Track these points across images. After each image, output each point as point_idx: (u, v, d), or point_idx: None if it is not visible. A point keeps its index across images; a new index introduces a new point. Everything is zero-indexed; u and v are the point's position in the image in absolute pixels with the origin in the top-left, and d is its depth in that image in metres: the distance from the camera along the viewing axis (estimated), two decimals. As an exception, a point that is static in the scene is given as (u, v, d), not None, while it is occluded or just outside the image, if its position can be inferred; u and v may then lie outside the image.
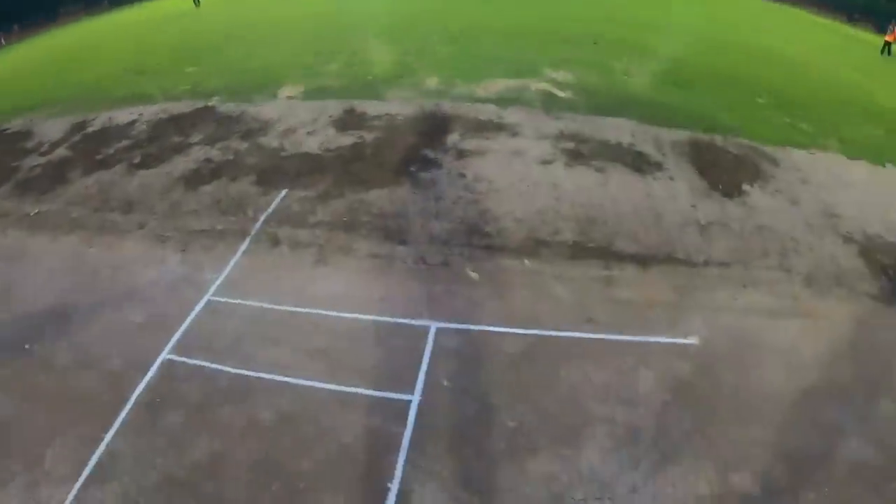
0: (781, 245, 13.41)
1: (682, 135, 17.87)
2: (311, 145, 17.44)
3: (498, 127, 17.98)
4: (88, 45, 34.73)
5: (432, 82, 22.20)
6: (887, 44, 37.55)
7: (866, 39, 40.01)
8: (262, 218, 14.21)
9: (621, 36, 29.83)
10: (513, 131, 17.72)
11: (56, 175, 16.85)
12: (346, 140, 17.58)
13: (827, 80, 27.01)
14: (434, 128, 18.05)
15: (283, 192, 15.13)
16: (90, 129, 19.67)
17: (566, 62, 24.49)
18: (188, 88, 22.90)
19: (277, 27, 33.86)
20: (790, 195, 15.24)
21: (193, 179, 15.94)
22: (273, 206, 14.64)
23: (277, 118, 19.35)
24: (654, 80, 22.81)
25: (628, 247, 13.13)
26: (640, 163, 16.16)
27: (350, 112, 19.39)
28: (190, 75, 25.14)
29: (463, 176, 15.36)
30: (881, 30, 38.38)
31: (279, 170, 16.18)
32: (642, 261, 12.77)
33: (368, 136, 17.69)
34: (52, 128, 20.13)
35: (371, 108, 19.59)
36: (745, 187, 15.37)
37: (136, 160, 17.17)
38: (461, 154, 16.44)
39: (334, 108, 19.68)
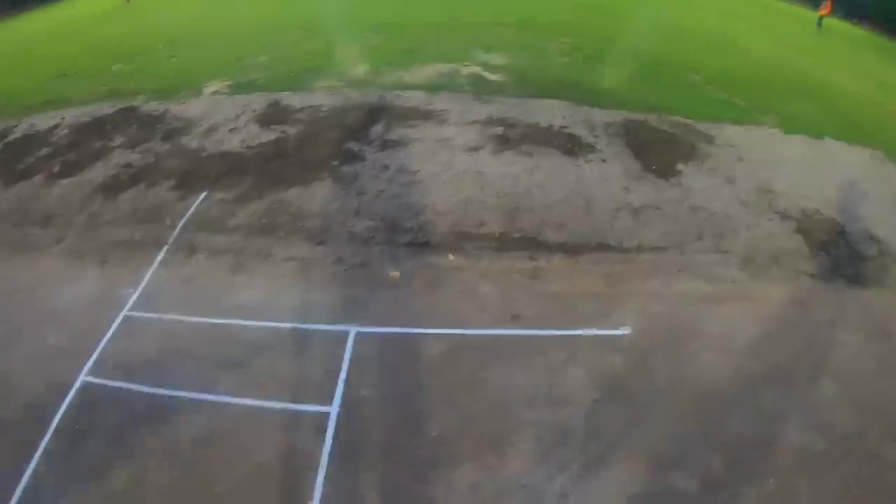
0: (717, 226, 12.98)
1: (616, 115, 17.39)
2: (233, 143, 16.40)
3: (425, 115, 17.28)
4: (12, 46, 33.30)
5: (360, 71, 21.37)
6: (821, 18, 37.55)
7: (800, 14, 39.95)
8: (180, 225, 13.37)
9: (555, 18, 29.15)
10: (440, 118, 17.05)
11: (-23, 191, 15.76)
12: (269, 136, 16.62)
13: (762, 55, 26.63)
14: (359, 118, 17.25)
15: (202, 196, 14.22)
16: (12, 137, 18.44)
17: (498, 45, 23.80)
18: (113, 88, 21.63)
19: (207, 24, 32.38)
20: (726, 173, 14.84)
21: (112, 187, 14.92)
22: (191, 211, 13.77)
23: (201, 116, 18.22)
24: (587, 62, 22.35)
25: (557, 236, 12.58)
26: (571, 145, 15.61)
27: (275, 106, 18.38)
28: (116, 75, 23.74)
29: (386, 168, 14.69)
30: (816, 5, 38.28)
31: (199, 172, 15.21)
32: (571, 250, 12.24)
33: (291, 131, 16.83)
34: (-26, 139, 18.84)
35: (296, 100, 18.70)
36: (680, 167, 14.92)
37: (56, 169, 16.05)
38: (385, 145, 15.73)
39: (259, 102, 18.71)
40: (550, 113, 17.25)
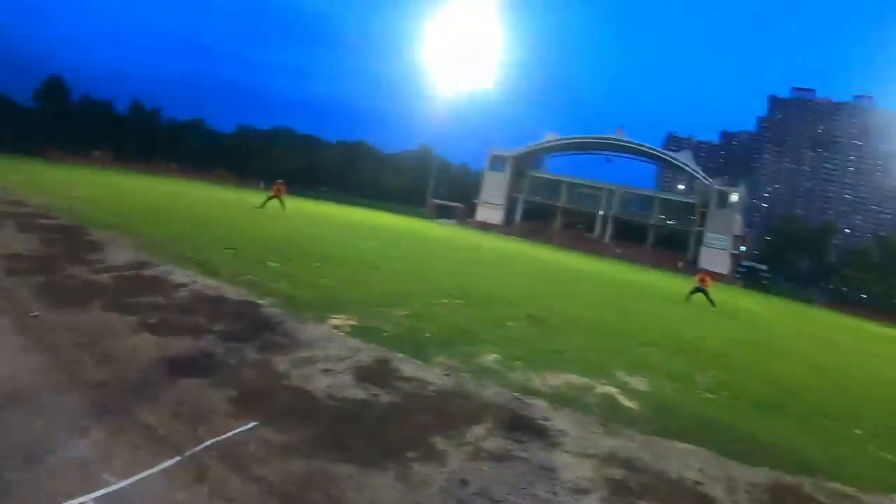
0: None
1: (764, 475, 10.21)
2: (318, 385, 9.54)
3: (537, 431, 10.06)
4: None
5: (489, 358, 13.26)
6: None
7: None
8: (206, 444, 7.76)
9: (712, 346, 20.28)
10: (553, 441, 9.68)
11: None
12: (358, 393, 9.47)
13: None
14: (462, 411, 10.12)
15: (249, 426, 8.11)
16: (137, 273, 14.37)
17: (643, 366, 15.72)
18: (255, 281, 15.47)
19: (374, 251, 27.18)
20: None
21: (176, 368, 9.35)
22: (226, 436, 7.84)
23: (307, 343, 11.26)
24: (738, 401, 14.32)
25: None
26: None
27: (382, 364, 11.04)
28: (267, 270, 17.28)
29: (464, 484, 7.89)
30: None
31: (267, 398, 8.89)
32: None
33: (384, 398, 9.71)
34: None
35: (407, 367, 11.25)
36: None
37: (150, 321, 11.12)
38: (476, 453, 8.67)
39: (369, 354, 11.33)
40: (685, 462, 9.79)
